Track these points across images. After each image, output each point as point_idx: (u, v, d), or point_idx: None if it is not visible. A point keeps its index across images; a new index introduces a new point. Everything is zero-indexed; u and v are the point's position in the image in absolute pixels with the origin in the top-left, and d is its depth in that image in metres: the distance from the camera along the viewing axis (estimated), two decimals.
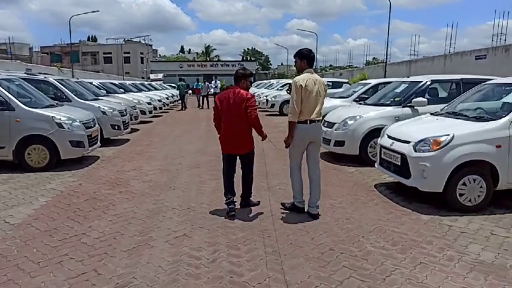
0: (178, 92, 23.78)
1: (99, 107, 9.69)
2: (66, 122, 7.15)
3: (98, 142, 8.19)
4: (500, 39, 19.93)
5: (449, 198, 4.73)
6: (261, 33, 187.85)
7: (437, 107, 7.11)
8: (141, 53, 66.11)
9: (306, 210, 4.73)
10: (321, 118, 4.67)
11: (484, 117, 4.98)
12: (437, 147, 4.68)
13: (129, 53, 64.19)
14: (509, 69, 12.02)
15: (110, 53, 64.06)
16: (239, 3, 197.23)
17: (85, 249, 3.80)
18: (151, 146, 9.80)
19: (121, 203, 5.20)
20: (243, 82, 4.79)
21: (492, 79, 7.75)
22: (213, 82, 25.11)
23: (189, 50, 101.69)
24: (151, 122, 15.71)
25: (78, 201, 5.28)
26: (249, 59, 77.68)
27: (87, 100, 9.93)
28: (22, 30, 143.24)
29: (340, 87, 17.01)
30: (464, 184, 4.67)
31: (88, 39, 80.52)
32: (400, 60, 30.46)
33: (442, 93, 7.97)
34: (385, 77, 20.48)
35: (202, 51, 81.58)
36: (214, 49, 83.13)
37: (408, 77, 8.56)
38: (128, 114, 10.90)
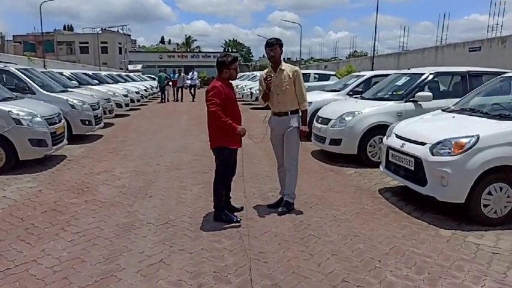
0: (158, 83, 22.67)
1: (67, 99, 8.69)
2: (26, 117, 6.20)
3: (65, 140, 7.26)
4: (495, 30, 19.63)
5: (472, 210, 4.07)
6: (242, 24, 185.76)
7: (442, 102, 6.51)
8: (119, 43, 63.87)
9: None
10: None
11: (510, 115, 4.33)
12: (460, 150, 4.00)
13: (106, 43, 62.00)
14: (505, 61, 11.57)
15: (87, 42, 61.72)
16: None
17: (32, 285, 2.96)
18: (126, 143, 8.89)
19: (86, 216, 4.35)
20: (225, 72, 4.06)
21: (506, 71, 7.19)
22: (189, 74, 23.89)
23: (169, 40, 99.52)
24: (128, 115, 14.70)
25: (34, 214, 4.41)
26: (230, 50, 76.34)
27: (53, 92, 8.90)
28: None
29: (327, 79, 16.33)
30: (489, 193, 4.01)
31: (64, 29, 77.61)
32: (387, 53, 30.07)
33: (445, 87, 7.35)
34: (372, 69, 19.91)
35: (183, 42, 79.79)
36: (195, 40, 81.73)
37: (409, 69, 7.90)
38: (100, 108, 9.93)
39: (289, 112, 4.35)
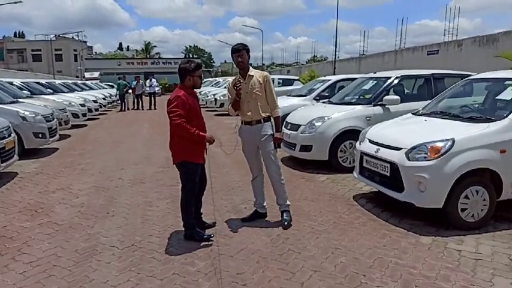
0: (117, 91, 21.80)
1: (17, 111, 8.02)
2: None
3: (16, 155, 6.65)
4: (452, 34, 20.55)
5: (450, 215, 4.00)
6: (203, 30, 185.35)
7: (408, 105, 6.55)
8: (75, 50, 61.57)
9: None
10: None
11: (482, 117, 4.33)
12: (436, 154, 3.92)
13: (61, 50, 59.61)
14: (461, 63, 11.98)
15: (39, 50, 59.06)
16: (180, 0, 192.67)
17: None
18: (84, 156, 8.32)
19: (40, 242, 3.91)
20: (188, 79, 3.76)
21: (467, 73, 7.34)
22: (148, 81, 23.04)
23: (128, 47, 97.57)
24: (85, 126, 13.95)
25: None
26: (191, 56, 75.57)
27: (2, 104, 8.20)
28: None
29: (291, 84, 16.33)
30: (466, 197, 3.96)
31: (15, 35, 73.94)
32: (345, 57, 30.72)
33: (411, 90, 7.42)
34: (334, 74, 20.17)
35: (142, 49, 78.04)
36: (155, 46, 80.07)
37: (375, 72, 7.93)
38: (55, 119, 9.26)
39: (262, 120, 4.12)
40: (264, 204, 4.38)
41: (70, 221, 4.48)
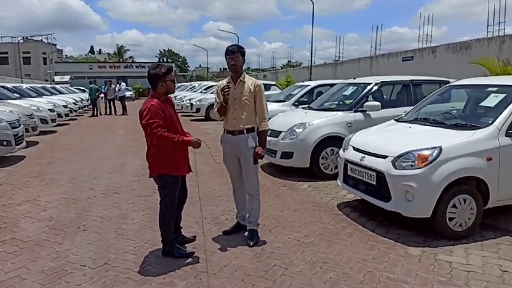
0: (89, 96, 21.06)
1: None
2: None
3: None
4: (426, 41, 21.10)
5: (438, 224, 3.91)
6: (177, 34, 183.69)
7: (389, 111, 6.52)
8: (44, 53, 59.65)
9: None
10: None
11: (467, 124, 4.27)
12: (424, 163, 3.83)
13: (29, 53, 57.68)
14: (436, 69, 12.20)
15: (6, 52, 56.91)
16: (153, 3, 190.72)
17: None
18: (53, 165, 7.88)
19: (2, 263, 3.56)
20: (161, 85, 3.45)
21: (447, 80, 7.39)
22: (117, 86, 21.99)
23: (100, 50, 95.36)
24: (55, 132, 13.34)
25: None
26: (165, 60, 74.65)
27: None
28: None
29: (268, 89, 16.15)
30: (454, 206, 3.88)
31: None
32: (319, 63, 30.97)
33: (391, 96, 7.40)
34: (310, 79, 20.21)
35: (115, 52, 76.46)
36: (128, 50, 78.65)
37: (354, 78, 7.88)
38: (21, 125, 8.76)
39: (244, 130, 3.83)
40: (247, 215, 4.16)
41: (37, 238, 4.13)
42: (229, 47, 3.83)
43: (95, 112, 20.39)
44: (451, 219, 3.89)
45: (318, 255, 3.65)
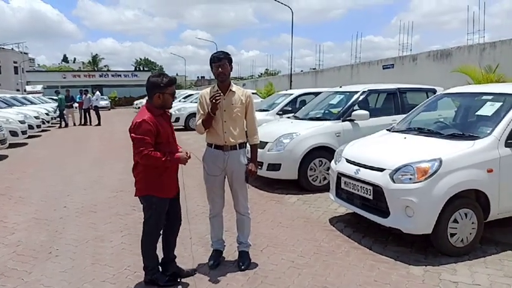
0: (57, 106, 20.06)
1: None
2: None
3: None
4: (406, 49, 21.43)
5: (439, 241, 3.70)
6: (154, 43, 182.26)
7: (377, 120, 6.40)
8: (15, 62, 57.84)
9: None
10: None
11: (464, 134, 4.11)
12: (424, 176, 3.62)
13: None
14: (416, 77, 12.25)
15: None
16: (130, 12, 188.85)
17: None
18: (23, 181, 7.35)
19: None
20: (158, 97, 3.10)
21: (433, 88, 7.31)
22: (89, 95, 20.91)
23: (74, 59, 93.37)
24: (25, 144, 12.68)
25: None
26: (142, 69, 73.60)
27: None
28: None
29: None
30: (455, 221, 3.69)
31: None
32: (298, 71, 31.03)
33: (378, 105, 7.27)
34: (291, 87, 20.13)
35: (89, 61, 74.91)
36: (103, 58, 77.14)
37: (340, 86, 7.72)
38: None
39: (237, 146, 3.52)
40: (237, 237, 3.81)
41: (2, 266, 3.71)
42: (215, 53, 3.51)
43: (63, 123, 19.52)
44: (452, 234, 3.69)
45: (316, 279, 3.37)
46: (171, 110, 3.39)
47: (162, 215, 3.20)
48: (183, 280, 3.34)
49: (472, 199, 3.79)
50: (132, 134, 3.02)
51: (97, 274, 3.52)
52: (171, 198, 3.23)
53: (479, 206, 3.80)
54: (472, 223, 3.75)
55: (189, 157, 3.21)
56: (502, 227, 4.24)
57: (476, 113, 4.41)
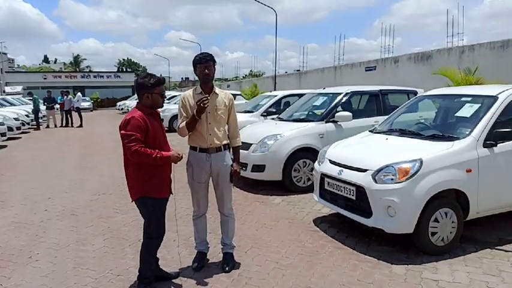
0: (33, 108, 19.45)
1: None
2: None
3: None
4: (389, 51, 21.80)
5: (420, 240, 3.77)
6: (137, 43, 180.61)
7: (360, 122, 6.47)
8: None
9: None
10: None
11: (444, 135, 4.19)
12: (405, 176, 3.69)
13: None
14: (398, 79, 12.47)
15: None
16: (113, 12, 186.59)
17: None
18: (3, 184, 7.18)
19: None
20: (146, 97, 3.08)
21: (414, 90, 7.44)
22: (71, 97, 20.68)
23: (55, 60, 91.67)
24: (4, 147, 12.39)
25: None
26: (125, 70, 72.77)
27: None
28: None
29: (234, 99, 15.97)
30: (436, 220, 3.76)
31: None
32: (282, 72, 31.16)
33: (360, 106, 7.36)
34: (275, 89, 20.21)
35: (71, 62, 73.66)
36: (85, 59, 75.87)
37: (324, 88, 7.78)
38: None
39: (222, 147, 3.53)
40: (221, 238, 3.81)
41: None
42: (200, 54, 3.50)
43: (39, 125, 19.06)
44: (433, 233, 3.76)
45: (300, 279, 3.39)
46: None
47: (161, 218, 3.16)
48: (166, 282, 3.31)
49: (452, 199, 3.87)
50: (121, 131, 2.98)
51: (79, 278, 3.47)
52: (167, 199, 3.20)
53: (459, 206, 3.88)
54: (452, 222, 3.83)
55: (181, 157, 3.20)
56: (481, 225, 4.34)
57: (456, 115, 4.50)
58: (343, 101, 6.78)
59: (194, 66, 3.49)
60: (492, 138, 3.94)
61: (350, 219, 4.18)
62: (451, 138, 4.03)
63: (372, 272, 3.51)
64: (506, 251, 3.87)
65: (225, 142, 3.55)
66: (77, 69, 65.85)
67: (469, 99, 4.46)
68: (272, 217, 5.10)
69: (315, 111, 6.99)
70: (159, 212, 3.15)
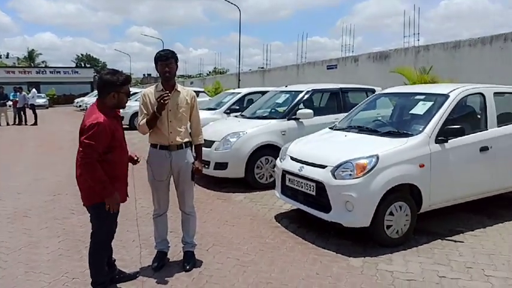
0: None
1: None
2: None
3: None
4: (348, 50, 22.30)
5: (376, 233, 3.91)
6: (98, 38, 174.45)
7: (320, 119, 6.59)
8: None
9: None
10: None
11: (399, 132, 4.35)
12: (362, 172, 3.80)
13: None
14: (358, 77, 12.81)
15: None
16: (71, 5, 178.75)
17: None
18: None
19: None
20: (112, 96, 2.89)
21: (372, 88, 7.65)
22: (24, 93, 19.61)
23: (8, 54, 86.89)
24: None
25: None
26: (83, 65, 70.26)
27: None
28: None
29: (197, 96, 15.79)
30: (391, 214, 3.91)
31: None
32: (246, 70, 31.23)
33: (322, 103, 7.50)
34: (239, 86, 20.19)
35: (25, 56, 70.09)
36: (40, 54, 72.35)
37: (286, 86, 7.86)
38: None
39: (183, 145, 3.49)
40: (182, 236, 3.78)
41: None
42: (161, 51, 3.44)
43: None
44: (388, 226, 3.91)
45: (261, 275, 3.42)
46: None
47: (112, 225, 3.05)
48: (126, 284, 3.24)
49: (406, 193, 4.03)
50: (83, 136, 2.76)
51: (31, 283, 3.32)
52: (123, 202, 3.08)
53: (413, 199, 4.05)
54: (406, 215, 3.99)
55: (139, 161, 3.11)
56: (432, 217, 4.55)
57: (410, 112, 4.69)
58: (304, 98, 6.88)
59: (155, 63, 3.45)
60: (443, 135, 4.14)
61: (310, 214, 4.26)
62: (406, 135, 4.20)
63: (330, 266, 3.60)
64: (455, 241, 4.08)
65: (186, 140, 3.51)
66: (32, 64, 62.74)
67: (423, 97, 4.66)
68: (234, 214, 5.10)
69: (278, 109, 7.05)
70: (111, 218, 3.01)
